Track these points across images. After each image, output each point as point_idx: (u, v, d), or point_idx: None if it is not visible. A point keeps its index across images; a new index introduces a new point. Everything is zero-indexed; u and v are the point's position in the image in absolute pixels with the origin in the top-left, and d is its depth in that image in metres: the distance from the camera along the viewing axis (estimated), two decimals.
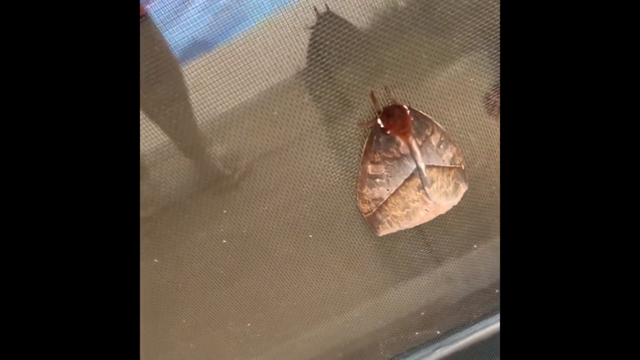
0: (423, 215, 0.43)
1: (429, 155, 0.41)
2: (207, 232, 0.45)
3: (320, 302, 0.53)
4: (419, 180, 0.41)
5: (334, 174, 0.44)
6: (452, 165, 0.43)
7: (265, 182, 0.43)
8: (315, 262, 0.49)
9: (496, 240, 0.56)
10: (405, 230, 0.47)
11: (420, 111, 0.42)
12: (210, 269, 0.47)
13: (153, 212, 0.43)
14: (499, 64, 0.43)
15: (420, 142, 0.41)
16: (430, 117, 0.42)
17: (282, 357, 0.56)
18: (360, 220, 0.47)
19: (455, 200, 0.44)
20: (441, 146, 0.42)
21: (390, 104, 0.41)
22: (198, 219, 0.44)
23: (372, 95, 0.40)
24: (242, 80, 0.38)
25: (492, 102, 0.45)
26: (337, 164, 0.44)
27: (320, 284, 0.51)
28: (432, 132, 0.42)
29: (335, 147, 0.43)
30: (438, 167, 0.42)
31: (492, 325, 0.61)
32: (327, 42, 0.38)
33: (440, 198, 0.42)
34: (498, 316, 0.61)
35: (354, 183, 0.44)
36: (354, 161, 0.43)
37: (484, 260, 0.58)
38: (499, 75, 0.43)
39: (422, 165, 0.41)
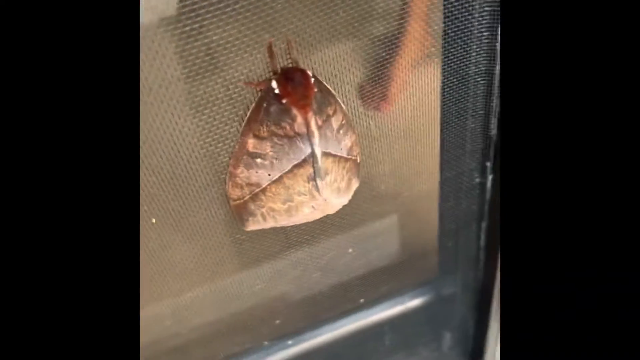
0: (307, 213, 0.34)
1: (328, 140, 0.33)
2: None
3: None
4: (311, 169, 0.32)
5: (198, 142, 0.33)
6: (349, 157, 0.35)
7: None
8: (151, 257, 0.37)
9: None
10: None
11: (325, 83, 0.33)
12: None
13: None
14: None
15: (320, 122, 0.32)
16: (334, 92, 0.33)
17: None
18: (225, 207, 0.36)
19: (345, 199, 0.36)
20: (341, 131, 0.34)
21: (290, 65, 0.31)
22: None
23: (269, 47, 0.30)
24: None
25: (366, 93, 0.37)
26: (204, 130, 0.32)
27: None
28: (335, 112, 0.33)
29: (207, 107, 0.32)
30: (335, 156, 0.34)
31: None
32: None
33: (331, 194, 0.34)
34: None
35: (226, 159, 0.34)
36: (231, 130, 0.33)
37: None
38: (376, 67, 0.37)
39: (318, 151, 0.32)
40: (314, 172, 0.32)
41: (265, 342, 0.50)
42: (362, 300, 0.55)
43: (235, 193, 0.34)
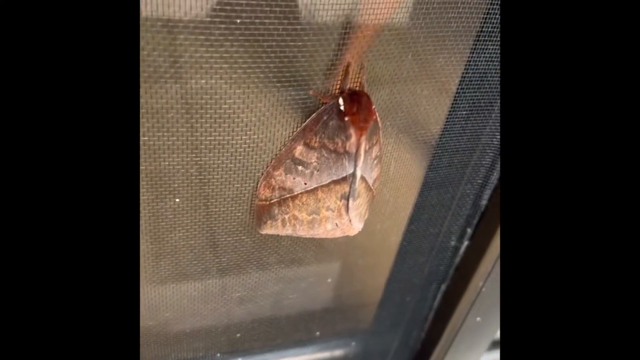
0: (329, 229, 0.35)
1: (366, 167, 0.35)
2: None
3: None
4: (347, 188, 0.34)
5: (246, 134, 0.33)
6: (373, 188, 0.37)
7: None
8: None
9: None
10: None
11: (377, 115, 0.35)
12: None
13: None
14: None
15: (367, 147, 0.34)
16: (380, 125, 0.36)
17: None
18: (246, 204, 0.36)
19: (361, 226, 0.38)
20: (375, 162, 0.36)
21: (359, 89, 0.33)
22: None
23: (347, 66, 0.32)
24: None
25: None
26: (254, 125, 0.33)
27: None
28: (377, 143, 0.35)
29: (265, 106, 0.33)
30: (366, 183, 0.35)
31: None
32: None
33: (355, 217, 0.36)
34: None
35: (267, 158, 0.34)
36: (279, 132, 0.34)
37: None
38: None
39: (359, 173, 0.34)
40: (349, 192, 0.34)
41: (218, 355, 0.48)
42: (317, 334, 0.55)
43: (264, 193, 0.35)
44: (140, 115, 0.30)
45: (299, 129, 0.33)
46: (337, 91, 0.33)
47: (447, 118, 0.42)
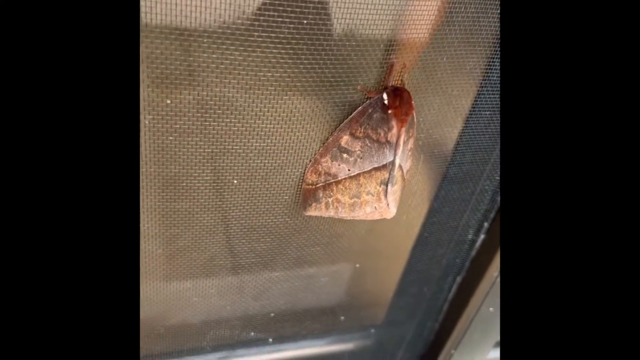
0: (369, 212, 0.39)
1: (403, 156, 0.39)
2: None
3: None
4: (386, 175, 0.38)
5: (297, 124, 0.37)
6: (405, 177, 0.41)
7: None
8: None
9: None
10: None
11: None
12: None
13: None
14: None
15: (405, 139, 0.38)
16: (415, 121, 0.40)
17: None
18: (293, 188, 0.40)
19: (395, 210, 0.41)
20: (409, 153, 0.40)
21: (401, 85, 0.37)
22: None
23: (391, 65, 0.36)
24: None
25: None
26: (306, 117, 0.37)
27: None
28: (412, 136, 0.39)
29: (318, 98, 0.37)
30: (402, 172, 0.39)
31: None
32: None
33: (392, 202, 0.39)
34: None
35: (315, 147, 0.38)
36: (328, 124, 0.38)
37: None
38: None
39: (397, 161, 0.38)
40: (389, 178, 0.38)
41: (252, 334, 0.52)
42: (342, 318, 0.58)
43: (311, 178, 0.39)
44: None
45: (345, 120, 0.37)
46: (381, 87, 0.37)
47: (469, 117, 0.46)
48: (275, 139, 0.37)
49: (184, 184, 0.37)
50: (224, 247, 0.43)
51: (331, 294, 0.58)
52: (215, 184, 0.38)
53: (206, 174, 0.37)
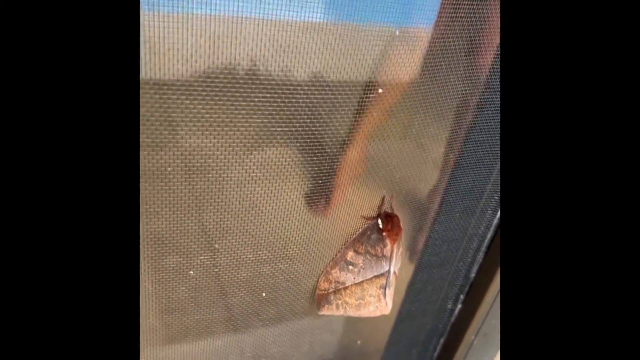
0: (372, 310, 0.49)
1: (396, 263, 0.48)
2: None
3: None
4: (384, 281, 0.48)
5: (313, 247, 0.47)
6: (397, 275, 0.51)
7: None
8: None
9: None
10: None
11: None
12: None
13: None
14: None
15: (397, 251, 0.48)
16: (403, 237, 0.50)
17: None
18: (308, 293, 0.49)
19: (391, 305, 0.51)
20: (399, 256, 0.50)
21: (392, 212, 0.47)
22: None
23: (383, 199, 0.46)
24: None
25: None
26: (321, 241, 0.47)
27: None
28: (400, 246, 0.49)
29: (330, 228, 0.46)
30: (395, 274, 0.49)
31: None
32: None
33: (390, 301, 0.49)
34: None
35: (327, 260, 0.48)
36: (337, 245, 0.47)
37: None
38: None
39: (392, 269, 0.47)
40: (386, 283, 0.48)
41: None
42: None
43: (323, 285, 0.48)
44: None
45: (349, 240, 0.47)
46: (376, 214, 0.47)
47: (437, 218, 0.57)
48: (297, 261, 0.46)
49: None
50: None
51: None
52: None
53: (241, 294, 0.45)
